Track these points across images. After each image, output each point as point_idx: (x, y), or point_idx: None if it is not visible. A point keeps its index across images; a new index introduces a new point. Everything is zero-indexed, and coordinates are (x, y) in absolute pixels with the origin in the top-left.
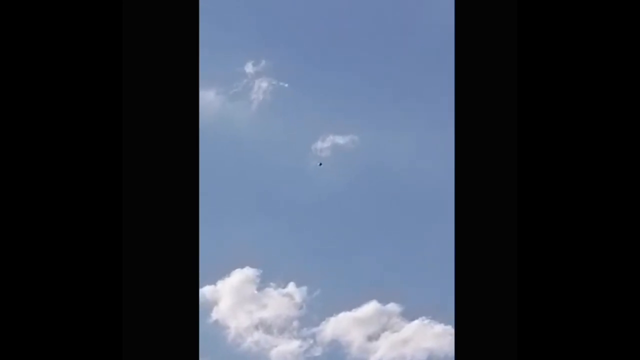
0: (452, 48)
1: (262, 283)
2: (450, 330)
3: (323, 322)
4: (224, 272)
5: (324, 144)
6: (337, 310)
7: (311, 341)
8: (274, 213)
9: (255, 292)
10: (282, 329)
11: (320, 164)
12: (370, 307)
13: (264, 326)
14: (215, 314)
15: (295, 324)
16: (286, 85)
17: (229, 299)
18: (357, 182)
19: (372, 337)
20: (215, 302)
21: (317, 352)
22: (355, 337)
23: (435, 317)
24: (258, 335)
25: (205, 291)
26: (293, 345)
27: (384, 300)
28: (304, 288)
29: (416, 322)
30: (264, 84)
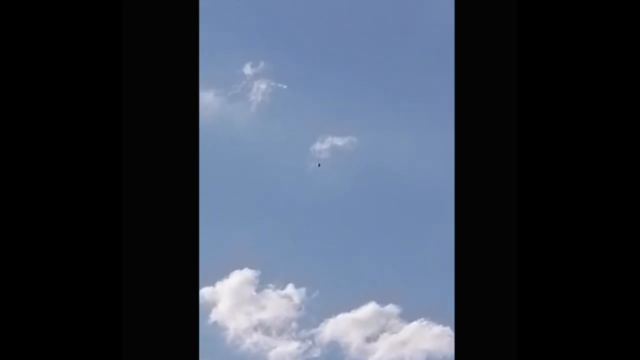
0: (451, 48)
1: (261, 284)
2: (448, 331)
3: (322, 324)
4: (223, 274)
5: (322, 145)
6: (336, 312)
7: (310, 342)
8: (272, 214)
9: (254, 293)
10: (281, 330)
11: (319, 165)
12: (369, 309)
13: (263, 327)
14: (214, 316)
15: (294, 325)
16: (285, 86)
17: (228, 301)
18: (355, 184)
19: (371, 339)
20: (214, 304)
21: (316, 353)
22: (354, 339)
23: (434, 318)
24: (257, 337)
25: (204, 292)
26: (292, 346)
27: (382, 302)
28: (303, 289)
29: (415, 323)
30: (263, 86)
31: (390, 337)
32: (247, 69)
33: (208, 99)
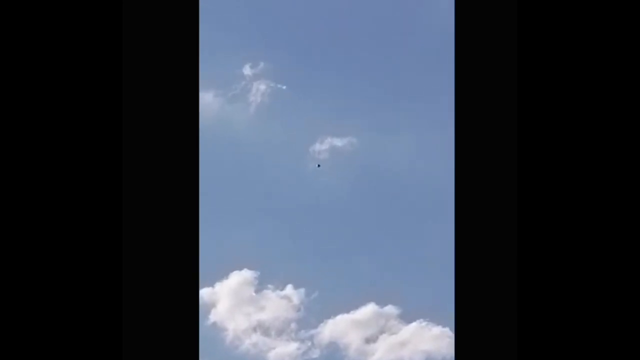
0: (450, 49)
1: (260, 285)
2: (448, 332)
3: (321, 325)
4: (222, 274)
5: (322, 146)
6: (335, 313)
7: (309, 343)
8: (272, 215)
9: (253, 294)
10: (280, 331)
11: (319, 166)
12: (368, 310)
13: (262, 328)
14: (214, 316)
15: (293, 326)
16: (284, 87)
17: (227, 301)
18: (355, 185)
19: (370, 340)
20: (213, 304)
21: (315, 354)
22: (353, 340)
23: (433, 319)
24: (256, 338)
25: (204, 293)
26: (291, 347)
27: (381, 303)
28: (302, 290)
29: (414, 324)
30: (262, 86)
31: (389, 338)
32: (247, 70)
33: (207, 99)
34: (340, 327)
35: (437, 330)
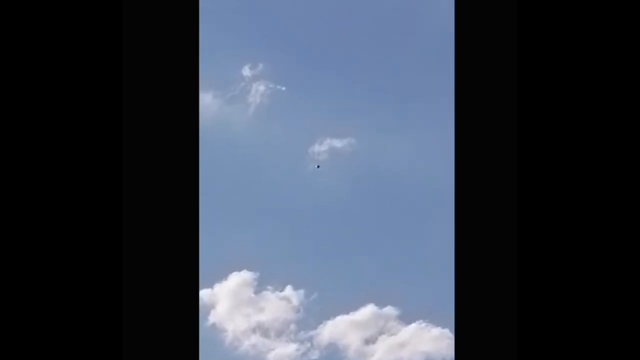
0: (450, 50)
1: (260, 286)
2: (447, 333)
3: (320, 326)
4: (221, 276)
5: (321, 147)
6: (334, 314)
7: (308, 344)
8: (271, 216)
9: (253, 295)
10: (280, 332)
11: (318, 167)
12: (367, 311)
13: (261, 329)
14: (213, 317)
15: (293, 327)
16: (283, 88)
17: (226, 302)
18: (354, 186)
19: (369, 341)
20: (212, 306)
21: (314, 355)
22: (353, 341)
23: (433, 320)
24: (255, 339)
25: (203, 294)
26: (290, 348)
27: (381, 304)
28: (301, 291)
29: (413, 325)
30: (262, 87)
31: (388, 339)
32: (246, 71)
33: (206, 100)
34: (339, 328)
35: (436, 331)
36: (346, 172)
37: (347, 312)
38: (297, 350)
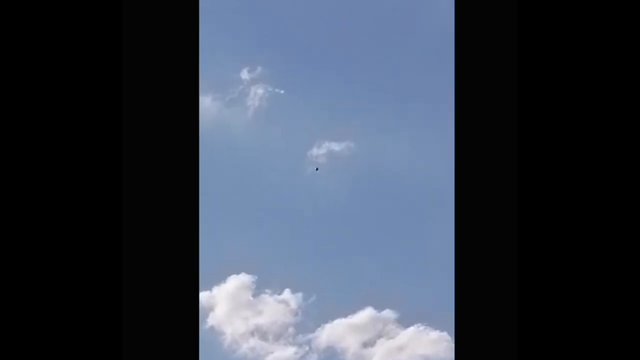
0: (449, 52)
1: (258, 289)
2: (445, 336)
3: (318, 329)
4: (220, 278)
5: (319, 151)
6: (333, 317)
7: (307, 348)
8: (269, 219)
9: (251, 298)
10: (278, 336)
11: (317, 169)
12: (366, 314)
13: (260, 332)
14: (211, 320)
15: (291, 330)
16: (282, 91)
17: (225, 305)
18: (352, 189)
19: (368, 344)
20: (211, 308)
21: (313, 358)
22: (351, 344)
23: (431, 323)
24: (254, 342)
25: (201, 297)
26: (289, 351)
27: (379, 307)
28: (300, 294)
29: (412, 328)
30: (260, 91)
31: (387, 343)
32: (245, 74)
33: (205, 103)
34: (337, 331)
35: (434, 334)
36: (344, 175)
37: (345, 315)
38: (296, 353)
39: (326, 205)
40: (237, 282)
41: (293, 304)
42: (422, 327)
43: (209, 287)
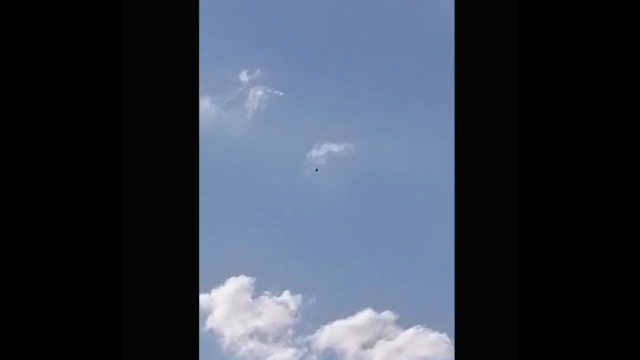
0: (448, 53)
1: (257, 291)
2: (445, 338)
3: (318, 330)
4: (219, 281)
5: (319, 152)
6: (332, 319)
7: (306, 349)
8: (268, 221)
9: (250, 300)
10: (277, 337)
11: (317, 170)
12: (365, 315)
13: (259, 334)
14: (210, 322)
15: (290, 332)
16: (281, 93)
17: (224, 307)
18: (351, 191)
19: (367, 345)
20: (210, 311)
21: None
22: (350, 345)
23: (430, 325)
24: (253, 344)
25: (200, 300)
26: (288, 353)
27: (378, 309)
28: (299, 296)
29: (411, 330)
30: (259, 93)
31: (386, 344)
32: (243, 76)
33: (204, 105)
34: (337, 333)
35: (434, 336)
36: (344, 177)
37: (344, 317)
38: (295, 355)
39: (325, 206)
40: (236, 285)
41: (292, 306)
42: (421, 329)
43: (208, 290)
